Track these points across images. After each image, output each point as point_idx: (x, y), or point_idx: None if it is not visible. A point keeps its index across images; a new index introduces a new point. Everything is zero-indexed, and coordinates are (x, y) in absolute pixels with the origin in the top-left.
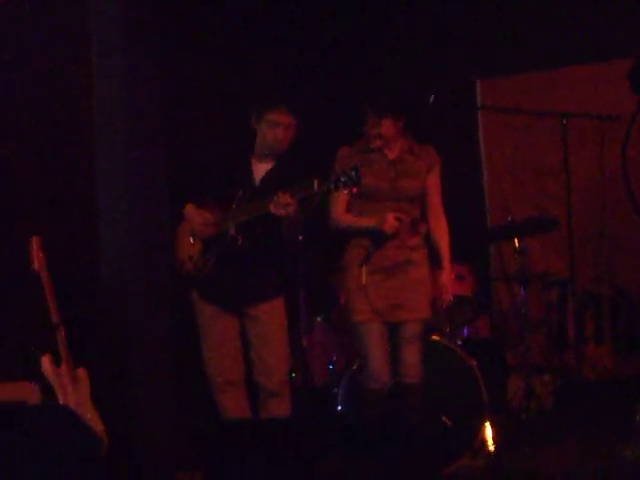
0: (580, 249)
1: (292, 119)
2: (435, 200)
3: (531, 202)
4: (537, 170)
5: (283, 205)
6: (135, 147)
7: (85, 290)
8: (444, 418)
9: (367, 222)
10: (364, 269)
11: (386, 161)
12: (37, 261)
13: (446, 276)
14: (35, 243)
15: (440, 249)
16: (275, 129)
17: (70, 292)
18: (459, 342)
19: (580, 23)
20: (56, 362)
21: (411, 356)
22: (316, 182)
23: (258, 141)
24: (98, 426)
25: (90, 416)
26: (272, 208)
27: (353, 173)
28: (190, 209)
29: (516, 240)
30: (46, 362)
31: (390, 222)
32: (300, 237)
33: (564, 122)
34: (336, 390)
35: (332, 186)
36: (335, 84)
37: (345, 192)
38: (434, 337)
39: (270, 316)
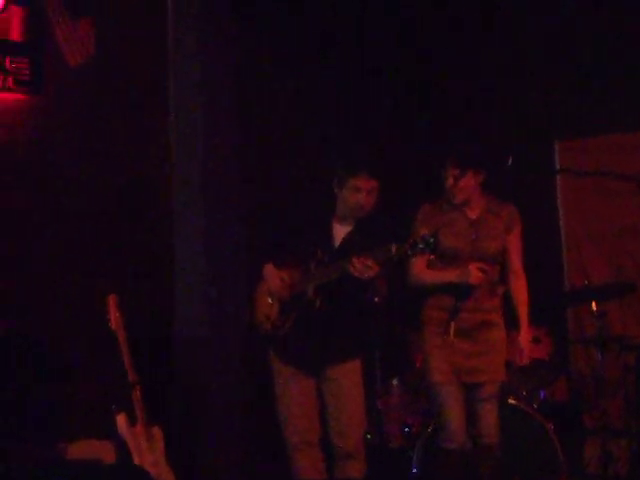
0: None
1: (375, 184)
2: (515, 260)
3: (609, 265)
4: (615, 233)
5: (364, 268)
6: (214, 207)
7: (161, 349)
8: None
9: (451, 276)
10: (453, 325)
11: (467, 221)
12: (114, 320)
13: (524, 337)
14: (112, 301)
15: (519, 310)
16: (357, 194)
17: (147, 351)
18: (535, 405)
19: None
20: (131, 421)
21: (489, 417)
22: (394, 247)
23: (340, 204)
24: None
25: (165, 476)
26: (352, 271)
27: (432, 240)
28: (269, 269)
29: (594, 303)
30: (122, 421)
31: (475, 273)
32: (376, 299)
33: None
34: (411, 452)
35: (409, 252)
36: (414, 144)
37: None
38: (510, 400)
39: (347, 378)
